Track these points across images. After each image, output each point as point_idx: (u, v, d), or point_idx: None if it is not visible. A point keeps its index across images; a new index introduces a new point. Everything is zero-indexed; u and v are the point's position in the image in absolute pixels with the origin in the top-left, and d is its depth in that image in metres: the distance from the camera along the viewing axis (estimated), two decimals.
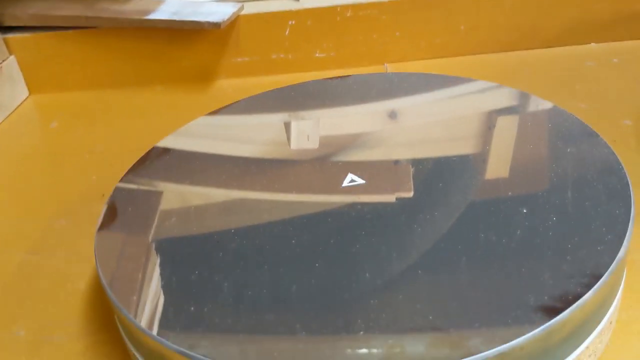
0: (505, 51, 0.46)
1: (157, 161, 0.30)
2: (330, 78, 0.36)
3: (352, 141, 0.30)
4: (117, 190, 0.28)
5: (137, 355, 0.23)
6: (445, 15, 0.45)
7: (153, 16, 0.44)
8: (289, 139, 0.31)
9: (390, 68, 0.46)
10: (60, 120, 0.46)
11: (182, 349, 0.20)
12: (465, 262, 0.22)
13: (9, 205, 0.37)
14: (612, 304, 0.22)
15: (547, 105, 0.30)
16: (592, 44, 0.45)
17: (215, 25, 0.43)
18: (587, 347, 0.21)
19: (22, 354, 0.26)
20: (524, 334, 0.19)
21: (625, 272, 0.24)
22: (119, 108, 0.46)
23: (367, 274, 0.22)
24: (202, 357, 0.19)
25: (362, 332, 0.20)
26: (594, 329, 0.21)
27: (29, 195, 0.37)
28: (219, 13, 0.44)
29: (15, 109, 0.48)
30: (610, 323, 0.23)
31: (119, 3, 0.46)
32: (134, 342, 0.23)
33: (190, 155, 0.31)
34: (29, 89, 0.49)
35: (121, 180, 0.29)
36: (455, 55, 0.46)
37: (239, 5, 0.45)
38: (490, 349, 0.18)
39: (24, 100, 0.49)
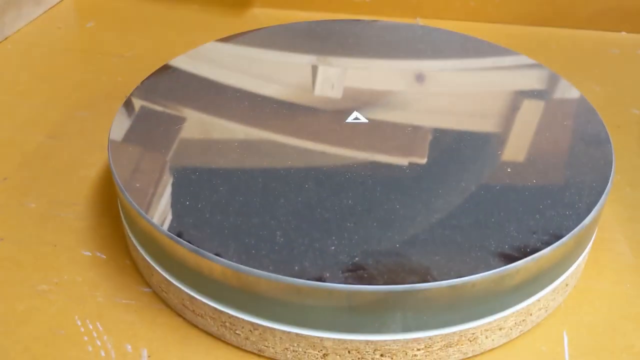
0: (535, 25, 0.46)
1: (167, 77, 0.32)
2: (359, 20, 0.37)
3: (366, 95, 0.31)
4: (134, 94, 0.30)
5: (132, 237, 0.25)
6: None
7: None
8: (300, 77, 0.32)
9: (421, 23, 0.47)
10: (97, 21, 0.47)
11: (171, 234, 0.22)
12: (443, 206, 0.23)
13: (37, 91, 0.39)
14: (569, 267, 0.24)
15: (564, 84, 0.31)
16: (623, 32, 0.45)
17: None
18: (538, 300, 0.23)
19: (31, 224, 0.29)
20: (477, 273, 0.20)
21: (590, 244, 0.25)
22: (154, 19, 0.48)
23: (351, 201, 0.23)
24: (187, 243, 0.22)
25: (332, 247, 0.21)
26: (548, 285, 0.23)
27: (57, 86, 0.39)
28: None
29: (55, 5, 0.49)
30: (566, 285, 0.24)
31: None
32: (130, 224, 0.25)
33: (195, 78, 0.32)
34: None
35: (137, 88, 0.31)
36: (486, 21, 0.47)
37: None
38: (444, 280, 0.20)
39: None
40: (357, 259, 0.21)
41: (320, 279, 0.20)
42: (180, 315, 0.24)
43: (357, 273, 0.21)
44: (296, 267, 0.21)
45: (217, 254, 0.21)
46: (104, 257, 0.27)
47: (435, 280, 0.20)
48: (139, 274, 0.26)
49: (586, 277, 0.26)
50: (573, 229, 0.22)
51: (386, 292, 0.20)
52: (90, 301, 0.25)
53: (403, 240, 0.22)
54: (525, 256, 0.21)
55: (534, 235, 0.22)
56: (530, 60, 0.33)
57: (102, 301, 0.25)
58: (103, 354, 0.23)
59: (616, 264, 0.27)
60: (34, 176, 0.32)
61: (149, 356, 0.23)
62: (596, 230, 0.27)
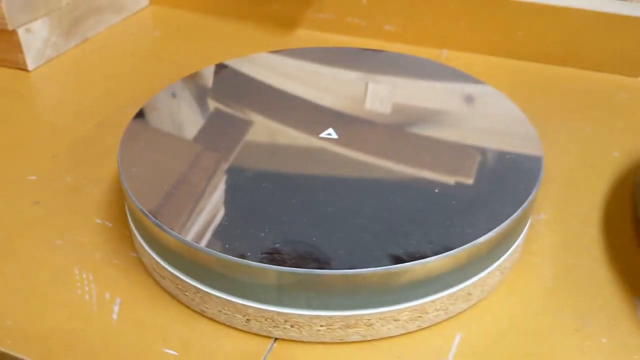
0: (552, 64, 0.49)
1: (204, 78, 0.38)
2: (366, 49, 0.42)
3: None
4: (160, 93, 0.37)
5: (127, 210, 0.32)
6: (508, 17, 0.48)
7: None
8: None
9: (446, 54, 0.51)
10: (163, 31, 0.55)
11: (144, 210, 0.28)
12: (369, 212, 0.28)
13: (98, 87, 0.47)
14: (469, 279, 0.27)
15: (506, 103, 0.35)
16: None
17: None
18: (432, 301, 0.27)
19: (63, 194, 0.36)
20: (368, 267, 0.25)
21: (510, 264, 0.29)
22: (213, 33, 0.55)
23: (295, 200, 0.29)
24: (154, 219, 0.27)
25: (262, 234, 0.27)
26: (444, 290, 0.27)
27: (115, 84, 0.47)
28: None
29: (134, 13, 0.58)
30: (469, 294, 0.28)
31: None
32: (125, 199, 0.31)
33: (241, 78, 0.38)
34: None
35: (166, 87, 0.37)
36: (506, 56, 0.50)
37: None
38: (338, 269, 0.25)
39: (143, 8, 0.59)
40: (277, 245, 0.26)
41: (242, 256, 0.26)
42: (151, 277, 0.30)
43: (272, 255, 0.26)
44: (227, 245, 0.26)
45: (171, 229, 0.27)
46: (110, 225, 0.34)
47: (331, 268, 0.25)
48: (132, 241, 0.32)
49: (498, 292, 0.29)
50: (463, 245, 0.26)
51: (290, 273, 0.25)
52: (90, 258, 0.32)
53: (321, 235, 0.27)
54: (412, 260, 0.25)
55: (430, 245, 0.26)
56: (490, 88, 0.36)
57: (99, 259, 0.32)
58: (87, 297, 0.29)
59: (533, 287, 0.30)
60: (77, 156, 0.39)
61: (120, 303, 0.29)
62: (520, 252, 0.30)
